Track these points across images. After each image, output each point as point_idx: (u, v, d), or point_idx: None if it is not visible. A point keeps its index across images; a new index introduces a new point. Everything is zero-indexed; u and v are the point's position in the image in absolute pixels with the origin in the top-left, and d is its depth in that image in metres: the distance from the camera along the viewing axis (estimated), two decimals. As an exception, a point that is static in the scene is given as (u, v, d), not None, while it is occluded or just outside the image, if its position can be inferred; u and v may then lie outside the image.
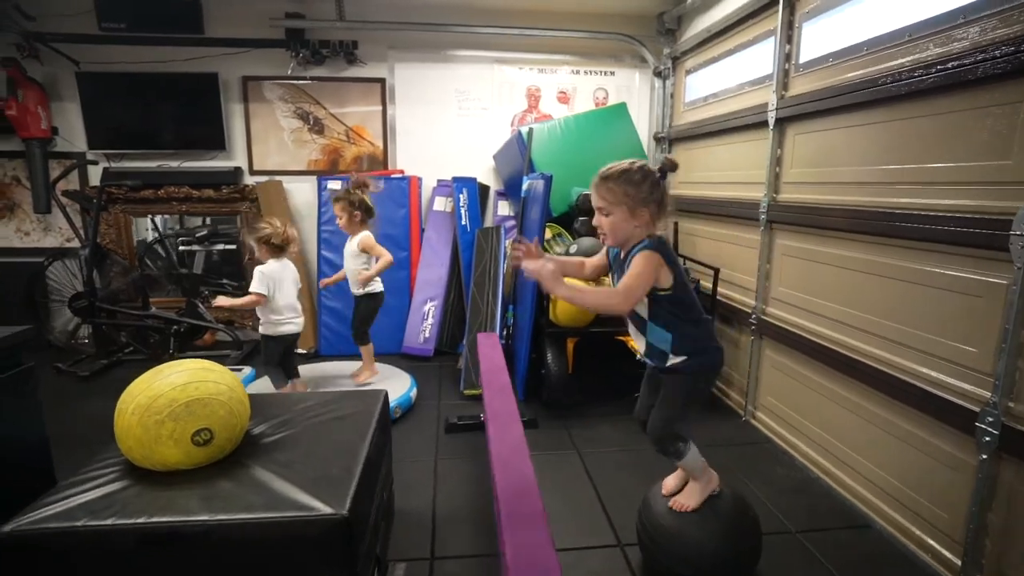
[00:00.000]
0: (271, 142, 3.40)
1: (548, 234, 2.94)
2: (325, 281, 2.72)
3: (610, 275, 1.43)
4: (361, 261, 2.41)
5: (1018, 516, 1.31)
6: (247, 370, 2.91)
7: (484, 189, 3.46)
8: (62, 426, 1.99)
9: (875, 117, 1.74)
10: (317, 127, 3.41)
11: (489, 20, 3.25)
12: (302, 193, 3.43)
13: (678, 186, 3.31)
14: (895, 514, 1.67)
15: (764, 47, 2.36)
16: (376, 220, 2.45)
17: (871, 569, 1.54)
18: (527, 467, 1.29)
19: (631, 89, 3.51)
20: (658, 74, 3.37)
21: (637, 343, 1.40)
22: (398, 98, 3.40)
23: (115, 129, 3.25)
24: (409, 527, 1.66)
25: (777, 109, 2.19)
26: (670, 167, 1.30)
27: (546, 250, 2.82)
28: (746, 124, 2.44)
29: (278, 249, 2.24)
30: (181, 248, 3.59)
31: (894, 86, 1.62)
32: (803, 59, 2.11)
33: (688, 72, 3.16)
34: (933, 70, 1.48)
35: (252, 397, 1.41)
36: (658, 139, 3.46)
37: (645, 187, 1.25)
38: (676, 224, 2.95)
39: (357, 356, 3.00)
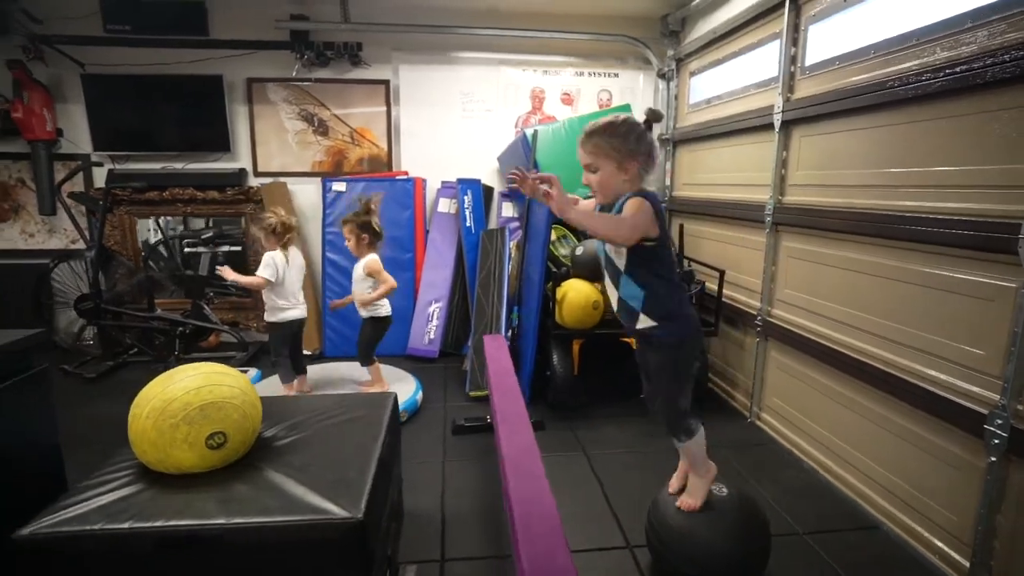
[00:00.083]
0: (275, 144, 3.40)
1: (553, 235, 2.95)
2: (334, 303, 2.69)
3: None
4: (367, 285, 2.40)
5: (1027, 518, 1.32)
6: (253, 371, 2.92)
7: (488, 191, 3.47)
8: (69, 427, 1.99)
9: (882, 120, 1.75)
10: (321, 129, 3.41)
11: (493, 22, 3.26)
12: (307, 195, 3.44)
13: (682, 188, 3.33)
14: (902, 515, 1.68)
15: (769, 49, 2.37)
16: (384, 243, 2.45)
17: (879, 571, 1.54)
18: (539, 470, 1.30)
19: (635, 91, 3.52)
20: (662, 76, 3.38)
21: (610, 297, 1.40)
22: (402, 100, 3.41)
23: (120, 131, 3.25)
24: (418, 529, 1.67)
25: (783, 112, 2.20)
26: (654, 118, 1.29)
27: (551, 251, 2.83)
28: (751, 126, 2.45)
29: (284, 237, 2.32)
30: (187, 250, 3.60)
31: (901, 89, 1.63)
32: (809, 62, 2.11)
33: (692, 74, 3.16)
34: (941, 74, 1.49)
35: (262, 400, 1.41)
36: (662, 141, 3.46)
37: (631, 139, 1.25)
38: (681, 226, 2.96)
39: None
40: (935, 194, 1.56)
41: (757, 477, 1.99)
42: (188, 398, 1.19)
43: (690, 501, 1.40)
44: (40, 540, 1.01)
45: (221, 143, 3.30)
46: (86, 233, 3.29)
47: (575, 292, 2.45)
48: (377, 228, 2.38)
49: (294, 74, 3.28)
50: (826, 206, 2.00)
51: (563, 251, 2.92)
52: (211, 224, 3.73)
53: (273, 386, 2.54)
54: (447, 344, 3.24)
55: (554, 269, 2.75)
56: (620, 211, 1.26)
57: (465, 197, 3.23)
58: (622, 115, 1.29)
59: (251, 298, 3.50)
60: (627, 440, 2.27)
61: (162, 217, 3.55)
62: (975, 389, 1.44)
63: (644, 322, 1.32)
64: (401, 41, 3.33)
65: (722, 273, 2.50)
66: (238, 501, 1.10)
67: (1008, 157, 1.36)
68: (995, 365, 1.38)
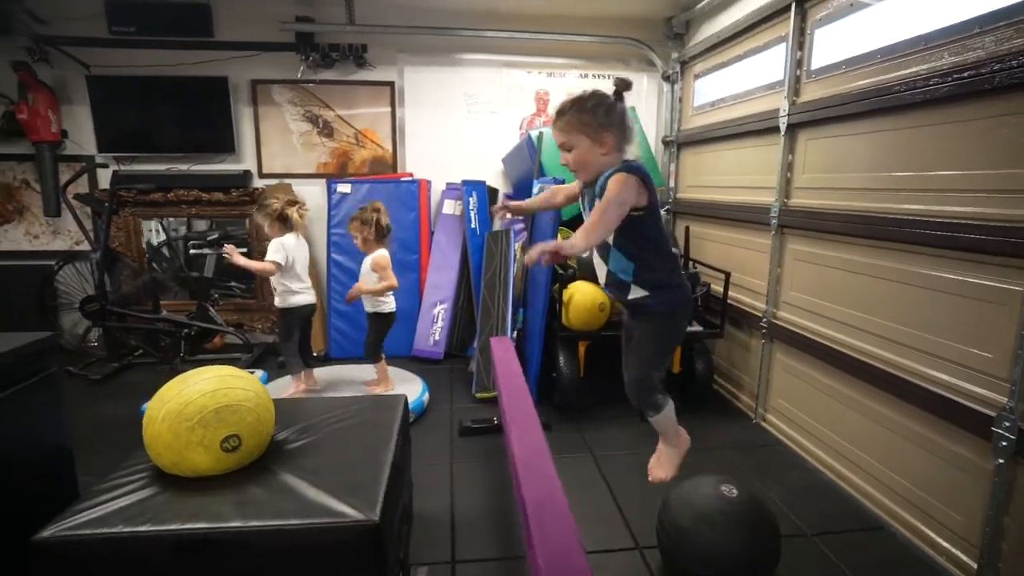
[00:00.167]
0: (280, 145, 3.41)
1: (559, 237, 2.95)
2: (350, 294, 2.69)
3: (581, 205, 1.37)
4: (373, 280, 2.42)
5: (1035, 520, 1.33)
6: (259, 373, 2.93)
7: (493, 192, 3.48)
8: (74, 429, 1.99)
9: (889, 124, 1.76)
10: (326, 130, 3.42)
11: (498, 24, 3.27)
12: (311, 196, 3.43)
13: (686, 190, 3.34)
14: (909, 517, 1.69)
15: (775, 53, 2.38)
16: (392, 239, 2.46)
17: (887, 572, 1.56)
18: (551, 471, 1.31)
19: (639, 93, 3.53)
20: (666, 78, 3.39)
21: (599, 272, 1.37)
22: (407, 101, 3.42)
23: (124, 132, 3.26)
24: (428, 530, 1.67)
25: (789, 115, 2.21)
26: (623, 86, 1.25)
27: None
28: (756, 129, 2.46)
29: (288, 222, 2.33)
30: (192, 251, 3.60)
31: (908, 94, 1.64)
32: (815, 65, 2.12)
33: (697, 76, 3.17)
34: (949, 79, 1.50)
35: (273, 403, 1.42)
36: (666, 143, 3.47)
37: (601, 111, 1.22)
38: (687, 228, 2.97)
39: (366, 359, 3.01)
40: (942, 198, 1.58)
41: (763, 478, 2.00)
42: (203, 401, 1.20)
43: (660, 473, 1.38)
44: (58, 543, 1.01)
45: (226, 144, 3.30)
46: (91, 235, 3.29)
47: (581, 294, 2.46)
48: (383, 224, 2.39)
49: (299, 75, 3.28)
50: (832, 209, 2.01)
51: (568, 253, 2.92)
52: (213, 226, 3.73)
53: (282, 388, 2.55)
54: (452, 345, 3.25)
55: (560, 271, 2.76)
56: (603, 187, 1.22)
57: (470, 199, 3.24)
58: (590, 90, 1.26)
59: (255, 300, 3.50)
60: (633, 441, 2.28)
61: (166, 219, 3.55)
62: (982, 391, 1.45)
63: (635, 292, 1.29)
64: (406, 43, 3.33)
65: (727, 275, 2.51)
66: (253, 504, 1.11)
67: (1016, 162, 1.37)
68: (1002, 368, 1.39)
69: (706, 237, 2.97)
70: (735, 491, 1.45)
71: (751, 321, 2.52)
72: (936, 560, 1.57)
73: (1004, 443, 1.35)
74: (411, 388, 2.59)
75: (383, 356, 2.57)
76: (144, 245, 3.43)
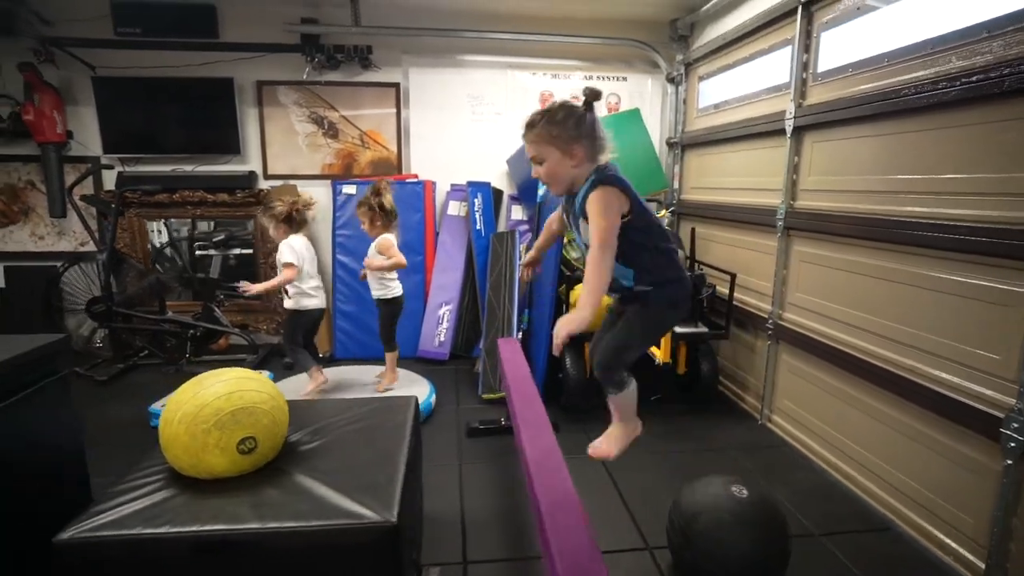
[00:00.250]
0: (285, 146, 3.41)
1: (565, 239, 2.96)
2: (363, 272, 2.65)
3: (567, 219, 1.35)
4: (379, 261, 2.44)
5: (1043, 521, 1.34)
6: (265, 374, 2.93)
7: (498, 193, 3.49)
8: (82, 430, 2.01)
9: (895, 128, 1.77)
10: (331, 131, 3.42)
11: (502, 26, 3.28)
12: (316, 197, 3.41)
13: (691, 191, 3.35)
14: (916, 517, 1.70)
15: (781, 55, 2.39)
16: (398, 223, 2.47)
17: (896, 572, 1.57)
18: (564, 473, 1.32)
19: (643, 95, 3.54)
20: (671, 80, 3.40)
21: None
22: (412, 102, 3.42)
23: (130, 133, 3.26)
24: (439, 531, 1.68)
25: (795, 117, 2.22)
26: (592, 96, 1.23)
27: (564, 255, 2.85)
28: (762, 131, 2.47)
29: (295, 223, 2.35)
30: (198, 252, 3.60)
31: (916, 98, 1.65)
32: (821, 68, 2.13)
33: (701, 78, 3.18)
34: (957, 83, 1.51)
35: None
36: (670, 144, 3.49)
37: (570, 123, 1.19)
38: (693, 230, 2.98)
39: (373, 360, 3.03)
40: (951, 201, 1.59)
41: (769, 479, 2.01)
42: (219, 403, 1.20)
43: (604, 447, 1.33)
44: (79, 544, 1.02)
45: (231, 145, 3.30)
46: (96, 236, 3.29)
47: (587, 295, 2.46)
48: (389, 207, 2.39)
49: (304, 77, 3.29)
50: (839, 211, 2.02)
51: (575, 254, 2.93)
52: (213, 227, 3.73)
53: (289, 389, 2.55)
54: (457, 346, 3.26)
55: (567, 272, 2.77)
56: (583, 207, 1.19)
57: (475, 200, 3.25)
58: (559, 101, 1.25)
59: (260, 300, 3.50)
60: (641, 441, 2.24)
61: (169, 220, 3.56)
62: (990, 393, 1.47)
63: (639, 287, 1.27)
64: (411, 44, 3.34)
65: (733, 276, 2.52)
66: (270, 506, 1.12)
67: (1023, 165, 1.38)
68: (1011, 369, 1.41)
69: (711, 238, 2.98)
70: (745, 492, 1.46)
71: (756, 322, 2.53)
72: (944, 560, 1.58)
73: (1013, 444, 1.36)
74: (419, 389, 2.60)
75: (397, 347, 2.58)
76: (149, 246, 3.44)
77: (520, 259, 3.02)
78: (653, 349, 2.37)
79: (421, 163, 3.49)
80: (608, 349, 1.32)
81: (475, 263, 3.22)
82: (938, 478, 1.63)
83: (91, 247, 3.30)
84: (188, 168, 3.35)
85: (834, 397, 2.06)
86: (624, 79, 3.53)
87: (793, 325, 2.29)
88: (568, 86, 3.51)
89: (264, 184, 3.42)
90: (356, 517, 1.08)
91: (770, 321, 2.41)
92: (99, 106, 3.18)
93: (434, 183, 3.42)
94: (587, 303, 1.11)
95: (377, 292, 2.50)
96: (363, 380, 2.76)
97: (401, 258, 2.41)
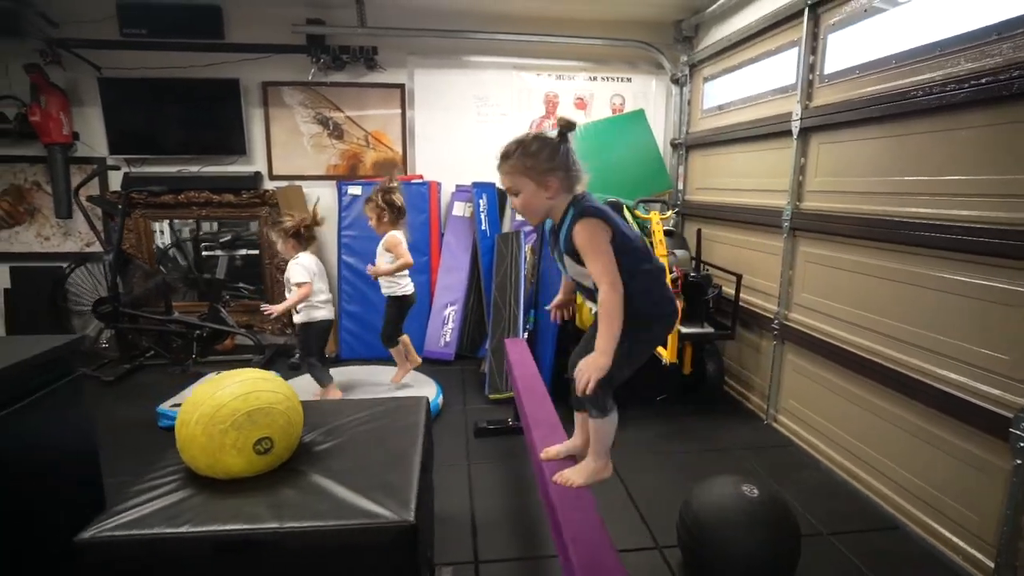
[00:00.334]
0: (291, 147, 3.42)
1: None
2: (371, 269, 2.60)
3: (552, 253, 1.34)
4: (387, 260, 2.44)
5: (1052, 520, 1.35)
6: (272, 374, 2.93)
7: (503, 194, 3.49)
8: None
9: (904, 129, 1.78)
10: (337, 132, 3.43)
11: (507, 27, 3.28)
12: (322, 198, 3.43)
13: (695, 192, 3.36)
14: (923, 516, 1.71)
15: (787, 57, 2.40)
16: (406, 221, 2.47)
17: (905, 570, 1.58)
18: (576, 473, 1.32)
19: (647, 95, 3.55)
20: (675, 81, 3.41)
21: (589, 307, 1.34)
22: (417, 103, 3.43)
23: (136, 134, 3.27)
24: (450, 531, 1.69)
25: (801, 119, 2.23)
26: (566, 127, 1.21)
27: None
28: (768, 133, 2.48)
29: (302, 240, 2.37)
30: (204, 253, 3.61)
31: (925, 99, 1.66)
32: (828, 70, 2.14)
33: (706, 79, 3.19)
34: (966, 85, 1.52)
35: (301, 405, 1.43)
36: (675, 145, 3.49)
37: (544, 155, 1.18)
38: (699, 231, 2.99)
39: (377, 360, 3.03)
40: (958, 202, 1.60)
41: (775, 478, 2.02)
42: (236, 404, 1.21)
43: (574, 478, 1.28)
44: (100, 544, 1.03)
45: (236, 146, 3.31)
46: (102, 236, 3.30)
47: (594, 296, 2.47)
48: (397, 204, 2.39)
49: (310, 78, 3.30)
50: (846, 212, 2.03)
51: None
52: (219, 227, 3.74)
53: (299, 389, 2.56)
54: (463, 347, 3.26)
55: (572, 273, 2.77)
56: (569, 240, 1.19)
57: (480, 201, 3.26)
58: (533, 132, 1.25)
59: (265, 301, 3.51)
60: (647, 441, 2.30)
61: (174, 220, 3.57)
62: (998, 392, 1.48)
63: (627, 307, 1.22)
64: (416, 45, 3.35)
65: (739, 277, 2.53)
66: (288, 506, 1.12)
67: (1033, 167, 1.39)
68: (1019, 369, 1.42)
69: (715, 239, 2.99)
70: (756, 491, 1.47)
71: (762, 323, 2.54)
72: (953, 559, 1.59)
73: (1022, 444, 1.37)
74: (426, 390, 2.62)
75: (400, 342, 2.58)
76: (155, 247, 3.44)
77: (525, 259, 3.03)
78: (660, 349, 2.38)
79: (426, 164, 3.50)
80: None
81: (480, 264, 3.23)
82: (945, 477, 1.64)
83: (97, 248, 3.30)
84: (193, 169, 3.36)
85: (840, 397, 2.07)
86: (628, 80, 3.54)
87: (799, 325, 2.30)
88: (573, 87, 3.52)
89: (269, 185, 3.43)
90: (374, 517, 1.09)
91: (776, 321, 2.42)
92: (105, 107, 3.19)
93: (439, 184, 3.43)
94: (606, 349, 1.13)
95: (387, 289, 2.51)
96: (370, 380, 2.76)
97: (407, 257, 2.42)
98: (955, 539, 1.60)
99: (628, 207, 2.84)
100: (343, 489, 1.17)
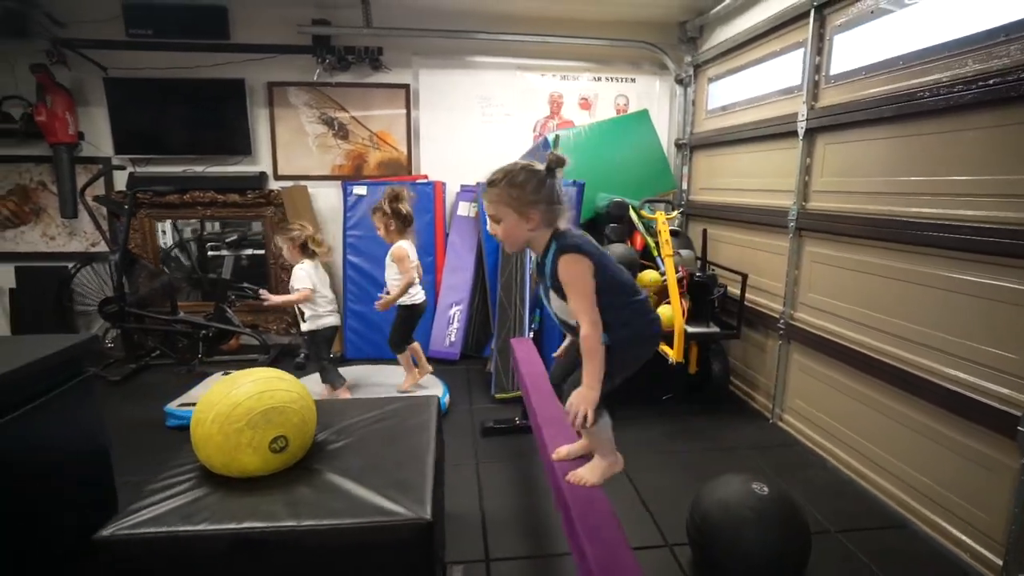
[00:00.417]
0: (296, 147, 3.42)
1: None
2: (379, 303, 2.57)
3: (537, 285, 1.34)
4: (394, 271, 2.44)
5: (1061, 518, 1.36)
6: (278, 374, 2.94)
7: (507, 194, 3.50)
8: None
9: (910, 130, 1.79)
10: (342, 132, 3.44)
11: (512, 28, 3.29)
12: (327, 198, 3.46)
13: (700, 192, 3.37)
14: (931, 514, 1.72)
15: (792, 58, 2.41)
16: (414, 229, 2.48)
17: (914, 567, 1.59)
18: (588, 470, 1.33)
19: (651, 96, 3.56)
20: (679, 81, 3.42)
21: (571, 336, 1.34)
22: (422, 104, 3.44)
23: (141, 134, 3.27)
24: (460, 530, 1.70)
25: (807, 120, 2.24)
26: (556, 163, 1.21)
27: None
28: (773, 133, 2.49)
29: (308, 251, 2.42)
30: (210, 253, 3.61)
31: (932, 100, 1.67)
32: (834, 71, 2.15)
33: (710, 80, 3.20)
34: (973, 86, 1.53)
35: (314, 404, 1.44)
36: (679, 145, 3.51)
37: (530, 188, 1.18)
38: (704, 231, 2.99)
39: (383, 360, 3.04)
40: (964, 202, 1.61)
41: (782, 477, 2.03)
42: (251, 403, 1.22)
43: (587, 476, 1.30)
44: (119, 541, 1.03)
45: (242, 146, 3.32)
46: (108, 236, 3.30)
47: (600, 296, 2.48)
48: (404, 213, 2.40)
49: (315, 78, 3.30)
50: (851, 212, 2.04)
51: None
52: (223, 227, 3.74)
53: (311, 388, 2.57)
54: (468, 346, 3.27)
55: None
56: (554, 275, 1.19)
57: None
58: (523, 162, 1.23)
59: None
60: (654, 440, 2.31)
61: (179, 220, 3.57)
62: (1006, 391, 1.49)
63: (612, 336, 1.24)
64: (421, 46, 3.36)
65: (744, 277, 2.54)
66: (305, 504, 1.13)
67: (1041, 167, 1.40)
68: (1027, 369, 1.43)
69: (720, 239, 3.00)
70: (766, 489, 1.48)
71: (767, 322, 2.55)
72: (961, 557, 1.60)
73: (1030, 443, 1.38)
74: (432, 390, 2.62)
75: (407, 349, 2.59)
76: (159, 247, 3.45)
77: (530, 260, 3.04)
78: (666, 348, 2.39)
79: (431, 164, 3.51)
80: (572, 389, 1.28)
81: (485, 264, 3.24)
82: (953, 475, 1.65)
83: (102, 248, 3.31)
84: (199, 169, 3.36)
85: (846, 396, 2.08)
86: (633, 80, 3.55)
87: (805, 325, 2.31)
88: (577, 87, 3.53)
89: (274, 185, 3.43)
90: (390, 515, 1.09)
91: (781, 321, 2.43)
92: (110, 107, 3.19)
93: (444, 184, 3.43)
94: (593, 383, 1.17)
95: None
96: (376, 379, 2.77)
97: (411, 274, 2.41)
98: (963, 537, 1.61)
99: (634, 207, 2.85)
100: (358, 487, 1.17)
